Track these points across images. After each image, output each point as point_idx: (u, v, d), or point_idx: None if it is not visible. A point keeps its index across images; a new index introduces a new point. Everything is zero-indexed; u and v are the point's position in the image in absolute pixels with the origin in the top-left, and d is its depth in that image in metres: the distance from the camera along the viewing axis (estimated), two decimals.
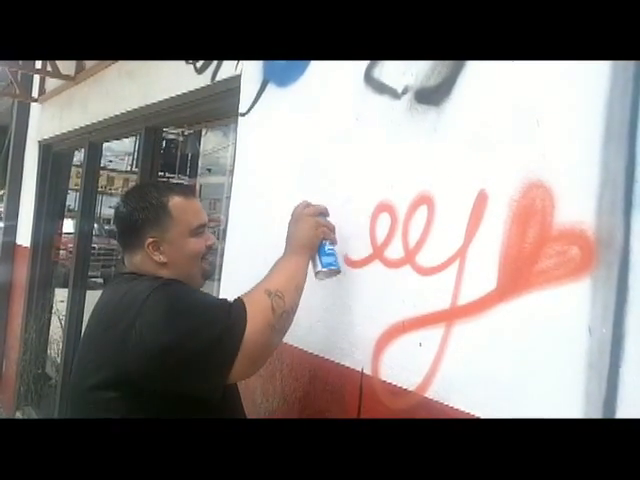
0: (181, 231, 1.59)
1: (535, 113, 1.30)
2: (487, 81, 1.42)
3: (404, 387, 1.54)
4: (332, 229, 1.70)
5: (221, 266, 2.47)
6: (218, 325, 1.39)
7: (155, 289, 1.44)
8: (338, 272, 1.68)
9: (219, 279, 2.46)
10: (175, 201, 1.60)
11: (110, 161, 13.82)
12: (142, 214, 1.57)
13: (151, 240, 1.57)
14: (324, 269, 1.64)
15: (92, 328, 1.54)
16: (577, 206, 1.20)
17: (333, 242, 1.69)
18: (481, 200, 1.40)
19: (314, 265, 1.66)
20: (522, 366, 1.26)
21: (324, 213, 1.72)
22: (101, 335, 1.48)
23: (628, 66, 1.14)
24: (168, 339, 1.36)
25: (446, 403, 1.42)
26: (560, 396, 1.18)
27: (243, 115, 2.46)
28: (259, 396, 2.09)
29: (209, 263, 1.70)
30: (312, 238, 1.64)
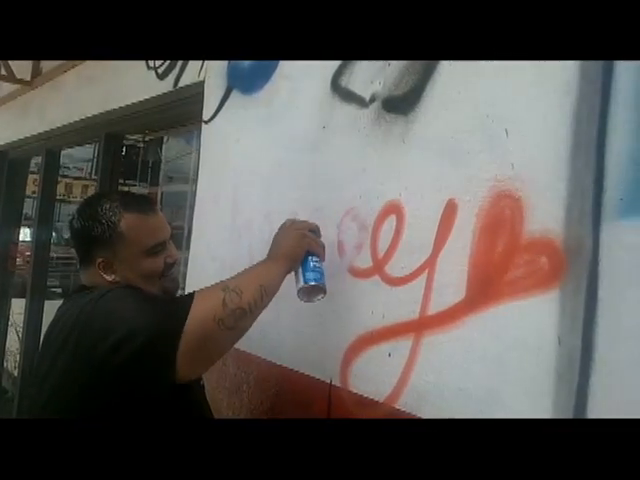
0: (134, 252, 1.51)
1: (504, 123, 1.30)
2: (456, 91, 1.42)
3: (373, 398, 1.53)
4: (321, 245, 1.59)
5: (184, 276, 2.43)
6: (158, 313, 1.33)
7: (101, 296, 1.38)
8: (323, 292, 1.54)
9: (183, 289, 2.43)
10: (128, 220, 1.50)
11: (67, 168, 13.59)
12: (92, 233, 1.50)
13: (101, 260, 1.51)
14: (305, 284, 1.51)
15: (45, 348, 1.48)
16: (546, 216, 1.20)
17: (321, 258, 1.57)
18: (450, 210, 1.40)
19: (296, 282, 1.54)
20: (492, 376, 1.26)
21: (315, 230, 1.62)
22: (55, 353, 1.41)
23: (596, 77, 1.15)
24: (109, 337, 1.28)
25: (416, 414, 1.41)
26: (530, 406, 1.18)
27: (207, 122, 2.43)
28: (225, 409, 2.05)
29: (171, 280, 1.61)
30: (294, 248, 1.54)
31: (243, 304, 1.38)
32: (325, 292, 1.55)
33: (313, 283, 1.51)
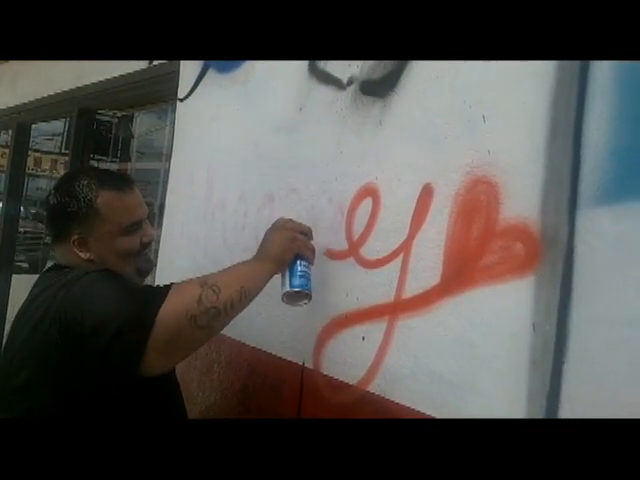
0: (110, 229, 1.49)
1: (481, 109, 1.30)
2: (433, 75, 1.41)
3: (346, 381, 1.53)
4: (311, 249, 1.55)
5: (156, 253, 2.41)
6: (132, 301, 1.30)
7: (79, 278, 1.35)
8: (308, 298, 1.52)
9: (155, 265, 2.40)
10: (105, 197, 1.49)
11: (36, 143, 13.36)
12: (68, 209, 1.48)
13: (76, 237, 1.49)
14: (290, 290, 1.48)
15: (18, 326, 1.45)
16: (522, 203, 1.20)
17: (310, 262, 1.53)
18: (426, 194, 1.40)
19: (282, 285, 1.50)
20: (466, 361, 1.27)
21: (307, 234, 1.57)
22: (28, 333, 1.38)
23: (574, 65, 1.15)
24: (84, 323, 1.26)
25: (389, 398, 1.41)
26: (504, 392, 1.19)
27: (182, 100, 2.40)
28: (195, 389, 2.05)
29: (146, 260, 1.60)
30: (284, 251, 1.49)
31: (219, 303, 1.33)
32: (310, 298, 1.52)
33: (298, 290, 1.48)
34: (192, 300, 1.30)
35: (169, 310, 1.28)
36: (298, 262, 1.50)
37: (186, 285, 1.36)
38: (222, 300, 1.34)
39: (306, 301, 1.53)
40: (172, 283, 1.37)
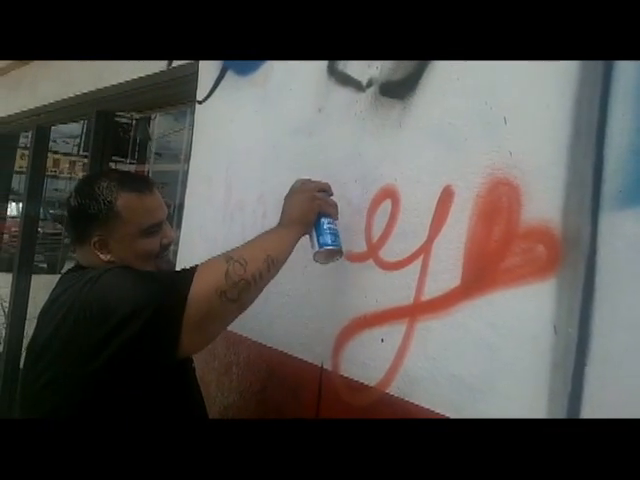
0: (130, 231, 1.50)
1: (502, 110, 1.30)
2: (454, 76, 1.41)
3: (365, 383, 1.53)
4: (333, 205, 1.56)
5: (175, 254, 2.42)
6: (159, 289, 1.33)
7: (100, 275, 1.36)
8: (339, 254, 1.53)
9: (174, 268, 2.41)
10: (125, 199, 1.49)
11: (54, 141, 13.47)
12: (89, 211, 1.49)
13: (97, 239, 1.49)
14: (320, 249, 1.49)
15: (41, 327, 1.45)
16: (544, 205, 1.20)
17: (333, 218, 1.54)
18: (447, 196, 1.39)
19: (311, 246, 1.52)
20: (486, 364, 1.26)
21: (325, 190, 1.58)
22: (51, 332, 1.39)
23: (597, 66, 1.14)
24: (110, 319, 1.28)
25: (408, 399, 1.41)
26: (525, 395, 1.19)
27: (200, 103, 2.41)
28: (214, 390, 2.05)
29: (166, 261, 1.61)
30: (305, 212, 1.51)
31: (247, 275, 1.36)
32: (342, 253, 1.53)
33: (329, 247, 1.50)
34: (220, 276, 1.33)
35: (198, 288, 1.31)
36: (322, 220, 1.51)
37: (212, 262, 1.39)
38: (250, 271, 1.37)
39: (338, 257, 1.54)
40: (197, 265, 1.39)
